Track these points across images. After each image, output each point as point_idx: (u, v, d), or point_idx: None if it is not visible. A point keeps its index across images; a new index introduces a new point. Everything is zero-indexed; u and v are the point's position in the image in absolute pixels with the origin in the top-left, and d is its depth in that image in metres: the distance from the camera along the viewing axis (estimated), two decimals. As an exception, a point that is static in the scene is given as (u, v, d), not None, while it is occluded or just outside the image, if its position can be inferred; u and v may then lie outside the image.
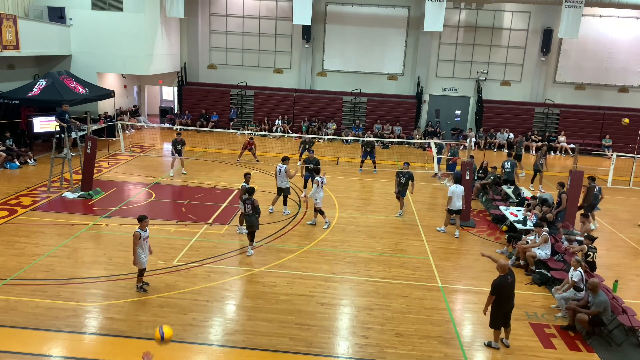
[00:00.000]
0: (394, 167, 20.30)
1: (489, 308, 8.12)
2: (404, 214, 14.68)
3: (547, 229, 11.42)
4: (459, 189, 13.04)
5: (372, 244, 12.42)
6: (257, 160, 19.73)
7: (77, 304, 8.89)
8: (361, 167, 19.21)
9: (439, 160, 18.89)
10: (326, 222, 13.25)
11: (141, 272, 9.37)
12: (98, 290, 9.42)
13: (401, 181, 14.40)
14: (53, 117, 16.58)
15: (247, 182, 12.13)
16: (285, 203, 13.99)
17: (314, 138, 20.73)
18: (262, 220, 13.30)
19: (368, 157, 19.02)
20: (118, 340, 7.97)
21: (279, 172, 13.65)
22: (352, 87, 27.27)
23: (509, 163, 17.07)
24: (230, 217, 13.67)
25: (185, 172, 17.78)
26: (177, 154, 17.52)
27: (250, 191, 11.21)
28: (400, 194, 14.56)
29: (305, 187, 15.60)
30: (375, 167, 19.21)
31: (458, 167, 17.39)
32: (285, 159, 13.93)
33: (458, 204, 13.00)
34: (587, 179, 14.14)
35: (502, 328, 8.31)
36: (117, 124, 19.40)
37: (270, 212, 13.83)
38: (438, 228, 13.57)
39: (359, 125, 26.42)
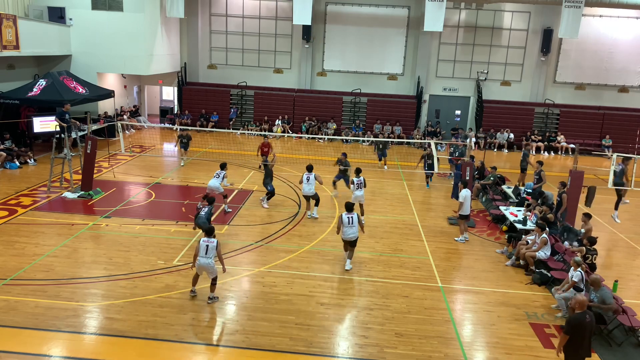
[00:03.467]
0: (394, 167, 20.57)
1: (562, 349, 7.16)
2: (404, 213, 14.80)
3: (547, 229, 11.41)
4: (469, 194, 12.85)
5: (372, 244, 12.41)
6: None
7: (77, 304, 8.89)
8: (380, 160, 20.57)
9: (450, 161, 19.01)
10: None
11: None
12: (98, 290, 9.42)
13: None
14: (53, 117, 16.58)
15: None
16: (316, 205, 14.03)
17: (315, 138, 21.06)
18: (272, 219, 13.41)
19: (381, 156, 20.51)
20: (118, 340, 7.96)
21: (307, 180, 13.66)
22: (352, 87, 27.27)
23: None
24: (230, 217, 13.67)
25: (183, 165, 18.75)
26: (183, 148, 18.74)
27: (211, 200, 11.11)
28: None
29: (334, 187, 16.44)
30: (385, 164, 20.46)
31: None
32: (310, 168, 13.91)
33: (467, 209, 12.91)
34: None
35: None
36: (117, 124, 19.40)
37: (309, 217, 13.88)
38: (456, 238, 13.00)
39: (359, 125, 26.44)
